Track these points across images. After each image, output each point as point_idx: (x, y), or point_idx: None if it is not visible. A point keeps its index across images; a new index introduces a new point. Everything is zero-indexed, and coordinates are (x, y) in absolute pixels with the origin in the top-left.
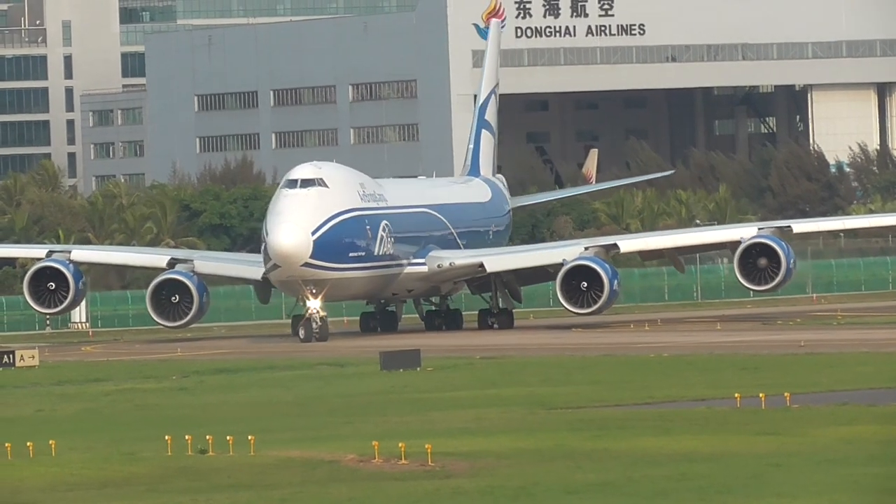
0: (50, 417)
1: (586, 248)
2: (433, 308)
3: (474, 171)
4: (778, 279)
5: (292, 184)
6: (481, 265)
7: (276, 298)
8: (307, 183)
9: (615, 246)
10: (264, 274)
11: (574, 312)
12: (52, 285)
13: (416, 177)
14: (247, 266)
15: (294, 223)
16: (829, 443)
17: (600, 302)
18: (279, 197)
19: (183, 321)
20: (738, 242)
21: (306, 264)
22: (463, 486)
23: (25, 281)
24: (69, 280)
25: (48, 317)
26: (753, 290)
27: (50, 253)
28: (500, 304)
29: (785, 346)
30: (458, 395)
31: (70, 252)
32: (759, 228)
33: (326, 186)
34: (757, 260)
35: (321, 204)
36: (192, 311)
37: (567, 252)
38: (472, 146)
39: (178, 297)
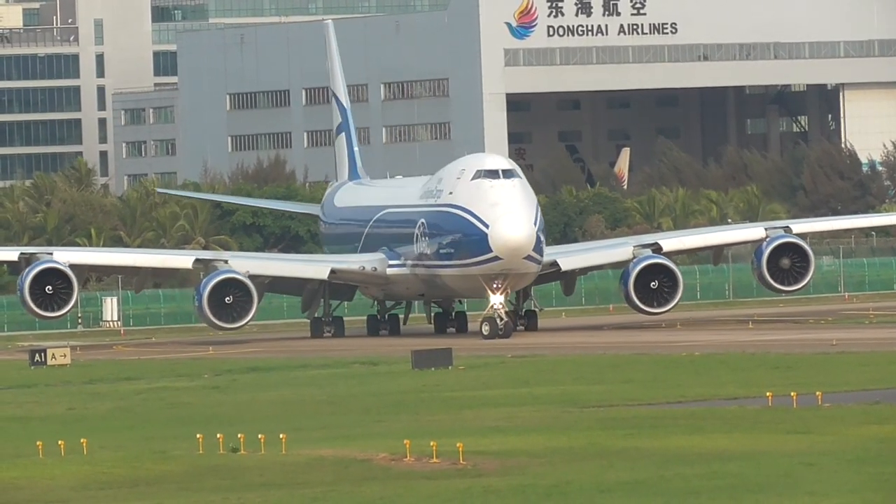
0: (81, 416)
1: (634, 247)
2: (441, 310)
3: (355, 173)
4: (808, 278)
5: (493, 174)
6: (554, 262)
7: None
8: (509, 174)
9: (657, 245)
10: (475, 267)
11: (648, 312)
12: (50, 288)
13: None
14: (304, 265)
15: (520, 214)
16: (860, 442)
17: (675, 300)
18: (482, 187)
19: (242, 322)
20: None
21: (528, 257)
22: (494, 484)
23: (27, 284)
24: (73, 281)
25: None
26: (781, 291)
27: (24, 255)
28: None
29: (817, 344)
30: (490, 393)
31: (52, 254)
32: (766, 229)
33: (521, 177)
34: (779, 260)
35: (527, 195)
36: (252, 311)
37: (622, 252)
38: (357, 149)
39: (231, 297)
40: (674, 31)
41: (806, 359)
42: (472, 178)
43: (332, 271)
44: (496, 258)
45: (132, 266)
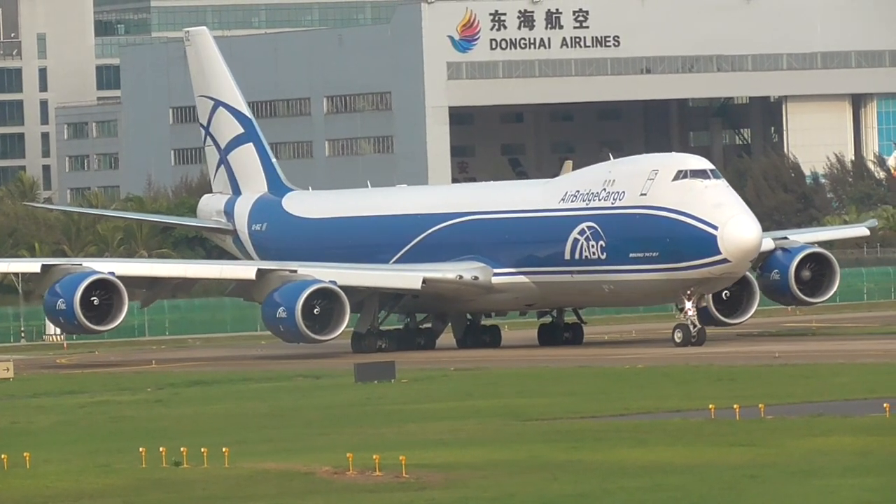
0: (25, 429)
1: None
2: (470, 323)
3: (279, 185)
4: (834, 288)
5: (702, 174)
6: None
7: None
8: (716, 174)
9: None
10: (689, 271)
11: (727, 322)
12: (95, 300)
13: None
14: (395, 274)
15: (749, 215)
16: (803, 454)
17: (753, 309)
18: (695, 188)
19: (336, 333)
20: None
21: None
22: (437, 497)
23: (77, 296)
24: (122, 292)
25: (104, 334)
26: (807, 303)
27: (45, 266)
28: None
29: (760, 356)
30: (433, 406)
31: (81, 264)
32: (775, 239)
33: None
34: (801, 272)
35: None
36: (345, 321)
37: None
38: (274, 160)
39: (318, 308)
40: (616, 44)
41: (749, 371)
42: (675, 179)
43: (424, 281)
44: (724, 261)
45: (182, 278)
